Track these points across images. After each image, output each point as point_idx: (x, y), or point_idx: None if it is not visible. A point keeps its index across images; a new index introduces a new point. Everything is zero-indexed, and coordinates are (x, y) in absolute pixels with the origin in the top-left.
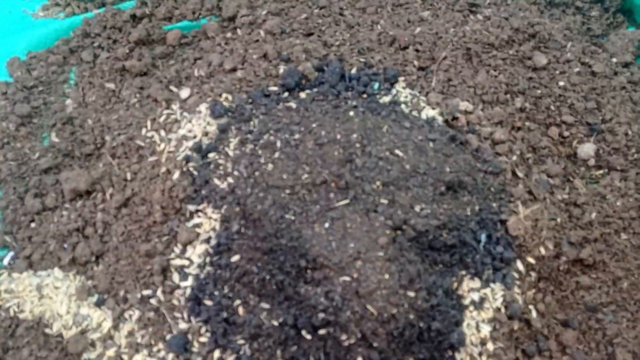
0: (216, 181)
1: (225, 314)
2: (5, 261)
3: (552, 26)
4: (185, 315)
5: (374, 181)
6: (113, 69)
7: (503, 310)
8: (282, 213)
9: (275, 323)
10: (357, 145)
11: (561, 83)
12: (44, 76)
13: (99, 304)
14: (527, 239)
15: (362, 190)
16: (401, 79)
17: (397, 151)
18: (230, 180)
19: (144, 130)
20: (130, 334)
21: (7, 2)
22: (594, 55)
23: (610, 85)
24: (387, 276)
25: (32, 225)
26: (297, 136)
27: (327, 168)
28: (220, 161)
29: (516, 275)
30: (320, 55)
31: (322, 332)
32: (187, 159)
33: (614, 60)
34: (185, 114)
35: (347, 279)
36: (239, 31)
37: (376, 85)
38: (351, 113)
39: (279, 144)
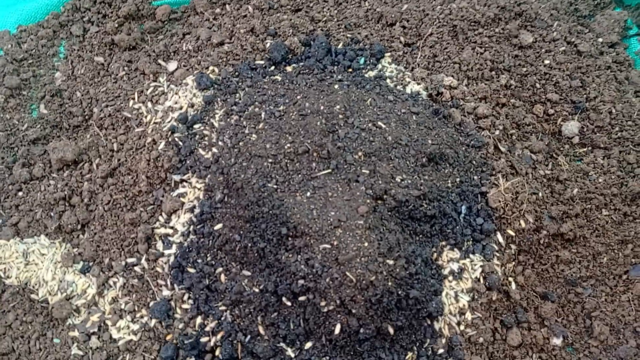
0: (201, 151)
1: (207, 281)
2: None
3: (539, 5)
4: (169, 283)
5: (356, 151)
6: (102, 42)
7: (482, 280)
8: (265, 182)
9: (256, 290)
10: (340, 116)
11: (547, 61)
12: (33, 49)
13: (84, 271)
14: (507, 212)
15: (343, 160)
16: (387, 54)
17: (380, 123)
18: (214, 150)
19: (131, 102)
20: (114, 300)
21: None
22: (580, 34)
23: (595, 65)
24: (366, 244)
25: (20, 194)
26: (281, 107)
27: (309, 138)
28: (205, 132)
29: (496, 247)
30: (307, 30)
31: (302, 298)
32: (173, 130)
33: (600, 40)
34: (172, 86)
35: (327, 246)
36: (227, 7)
37: (362, 60)
38: (336, 86)
39: (263, 115)
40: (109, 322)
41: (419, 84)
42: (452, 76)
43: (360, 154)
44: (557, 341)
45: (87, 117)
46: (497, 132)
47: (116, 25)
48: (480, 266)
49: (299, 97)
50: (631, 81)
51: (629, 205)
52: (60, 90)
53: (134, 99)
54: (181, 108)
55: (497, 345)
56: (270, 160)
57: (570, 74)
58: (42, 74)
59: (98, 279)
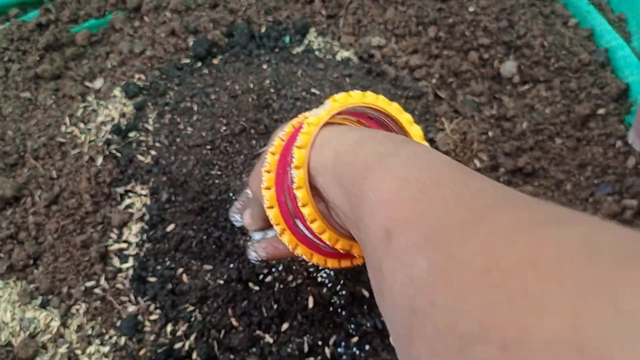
0: (140, 157)
1: (170, 286)
2: None
3: None
4: (132, 297)
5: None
6: (26, 78)
7: None
8: (207, 170)
9: (221, 282)
10: (272, 90)
11: (471, 9)
12: None
13: (43, 305)
14: (458, 153)
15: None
16: (312, 29)
17: (313, 90)
18: (153, 152)
19: (63, 127)
20: (80, 327)
21: None
22: None
23: (519, 4)
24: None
25: None
26: (212, 97)
27: (244, 116)
28: (141, 137)
29: None
30: (227, 22)
31: (268, 279)
32: (108, 143)
33: None
34: (101, 102)
35: None
36: (145, 18)
37: (287, 39)
38: (264, 66)
39: (195, 107)
40: (78, 351)
41: (347, 50)
42: (379, 36)
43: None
44: None
45: (22, 153)
46: (434, 81)
47: (37, 58)
48: None
49: (228, 82)
50: (557, 14)
51: (580, 130)
52: None
53: (65, 124)
54: (113, 120)
55: None
56: (208, 147)
57: (496, 17)
58: None
59: (60, 310)
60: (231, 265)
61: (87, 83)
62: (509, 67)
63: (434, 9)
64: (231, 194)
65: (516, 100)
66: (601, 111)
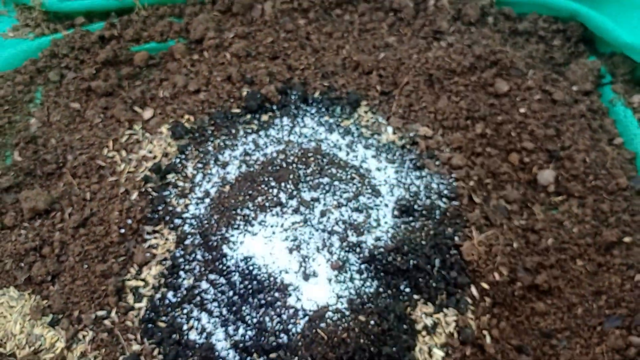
0: (174, 201)
1: (177, 336)
2: None
3: (514, 54)
4: (139, 337)
5: (329, 202)
6: (79, 88)
7: (456, 335)
8: (237, 234)
9: (227, 345)
10: (314, 166)
11: (522, 110)
12: (9, 95)
13: (53, 324)
14: (480, 264)
15: (317, 211)
16: (363, 102)
17: (353, 174)
18: (187, 201)
19: (105, 150)
20: (83, 355)
21: None
22: (554, 83)
23: (570, 113)
24: (338, 299)
25: None
26: (254, 157)
27: (282, 190)
28: (179, 182)
29: (470, 300)
30: (284, 78)
31: (272, 355)
32: (146, 180)
33: (574, 88)
34: (147, 134)
35: (298, 302)
36: (205, 53)
37: (338, 109)
38: (310, 135)
39: (237, 164)
40: None
41: (394, 133)
42: (428, 126)
43: (333, 204)
44: None
45: (61, 164)
46: (471, 183)
47: (93, 72)
48: (454, 320)
49: (272, 147)
50: (605, 129)
51: (603, 255)
52: (35, 137)
53: (108, 147)
54: (155, 157)
55: None
56: (241, 213)
57: (545, 123)
58: (17, 120)
59: (67, 333)
60: (240, 332)
61: (136, 108)
62: (547, 175)
63: (486, 103)
64: (254, 263)
65: (547, 212)
66: (627, 239)
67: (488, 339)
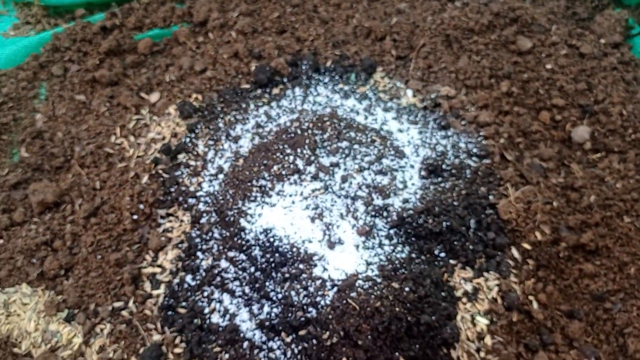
0: (186, 181)
1: (199, 321)
2: None
3: (535, 10)
4: (159, 326)
5: (351, 166)
6: (83, 80)
7: (500, 301)
8: (254, 207)
9: (252, 325)
10: (330, 131)
11: (548, 66)
12: (13, 92)
13: (68, 319)
14: (520, 223)
15: (337, 176)
16: (379, 68)
17: (374, 136)
18: (200, 179)
19: (113, 138)
20: (102, 349)
21: None
22: (580, 37)
23: (600, 66)
24: (367, 267)
25: (0, 241)
26: (267, 129)
27: (298, 157)
28: (190, 161)
29: (512, 262)
30: (293, 50)
31: (302, 332)
32: (156, 162)
33: (602, 41)
34: (154, 117)
35: (325, 272)
36: (210, 34)
37: (353, 76)
38: (325, 102)
39: (249, 137)
40: None
41: (414, 95)
42: (449, 86)
43: (355, 168)
44: None
45: (68, 157)
46: (502, 141)
47: (97, 62)
48: (497, 285)
49: (285, 117)
50: None
51: None
52: (42, 132)
53: (115, 134)
54: (164, 139)
55: None
56: (258, 184)
57: (574, 78)
58: (22, 117)
59: (84, 327)
60: (266, 310)
61: (142, 94)
62: (581, 132)
63: (509, 61)
64: (275, 235)
65: (585, 169)
66: None
67: (535, 305)
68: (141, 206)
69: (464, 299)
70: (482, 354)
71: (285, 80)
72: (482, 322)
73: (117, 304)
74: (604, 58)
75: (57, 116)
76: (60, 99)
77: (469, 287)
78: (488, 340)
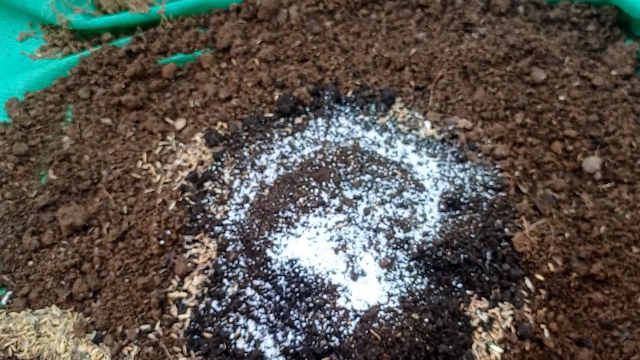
0: (212, 209)
1: (224, 346)
2: (3, 300)
3: (549, 42)
4: (185, 349)
5: (373, 199)
6: (109, 104)
7: (513, 330)
8: (280, 237)
9: (276, 352)
10: (353, 164)
11: (561, 97)
12: (41, 115)
13: (97, 340)
14: (534, 255)
15: (360, 209)
16: (398, 99)
17: (395, 170)
18: (226, 207)
19: (139, 163)
20: None
21: (6, 45)
22: (593, 68)
23: (611, 98)
24: (389, 298)
25: (30, 263)
26: (292, 159)
27: (323, 190)
28: (216, 189)
29: (525, 293)
30: (315, 80)
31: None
32: (183, 189)
33: (614, 73)
34: (180, 144)
35: (348, 302)
36: (233, 61)
37: (373, 107)
38: (346, 134)
39: (274, 167)
40: None
41: (432, 127)
42: (466, 118)
43: (377, 201)
44: None
45: (95, 180)
46: (516, 173)
47: (123, 86)
48: (511, 314)
49: (309, 148)
50: None
51: None
52: (69, 155)
53: (142, 159)
54: (190, 166)
55: None
56: (284, 216)
57: (586, 109)
58: (50, 139)
59: (112, 349)
60: (290, 338)
61: (168, 120)
62: (592, 162)
63: (524, 93)
64: (300, 265)
65: (596, 200)
66: None
67: (547, 333)
68: (168, 232)
69: (480, 329)
70: None
71: (307, 109)
72: (497, 350)
73: (144, 327)
74: (615, 90)
75: (84, 139)
76: (87, 122)
77: (484, 317)
78: None
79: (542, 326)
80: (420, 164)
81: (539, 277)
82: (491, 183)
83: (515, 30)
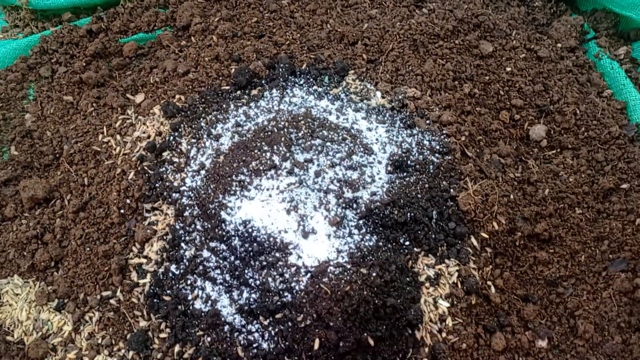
0: (170, 177)
1: (183, 307)
2: None
3: (497, 16)
4: (145, 313)
5: (324, 162)
6: (71, 82)
7: (460, 285)
8: (234, 200)
9: (232, 310)
10: (305, 130)
11: (508, 69)
12: (3, 93)
13: (59, 308)
14: (478, 214)
15: (311, 171)
16: (351, 71)
17: (345, 135)
18: (183, 175)
19: (100, 137)
20: (91, 335)
21: None
22: (539, 41)
23: (556, 69)
24: (338, 254)
25: None
26: (246, 127)
27: (275, 154)
28: (174, 158)
29: (471, 250)
30: (271, 54)
31: (278, 315)
32: (142, 159)
33: (559, 45)
34: (139, 117)
35: (299, 259)
36: (192, 38)
37: (326, 79)
38: (301, 102)
39: (229, 135)
40: (86, 359)
41: (383, 97)
42: (416, 87)
43: (327, 164)
44: (542, 343)
45: (57, 155)
46: (463, 138)
47: (84, 64)
48: (457, 270)
49: (263, 116)
50: (593, 82)
51: (601, 202)
52: (31, 131)
53: (102, 133)
54: (149, 137)
55: (481, 351)
56: (238, 179)
57: (532, 80)
58: (12, 116)
59: (73, 315)
60: (245, 296)
61: (128, 95)
62: (538, 130)
63: (472, 64)
64: (253, 226)
65: (541, 165)
66: (624, 186)
67: (493, 289)
68: (128, 201)
69: (427, 284)
70: (444, 334)
71: (263, 82)
72: (444, 305)
73: (105, 293)
74: (560, 61)
75: (46, 116)
76: (49, 99)
77: (431, 272)
78: (449, 321)
79: (489, 283)
80: (369, 129)
81: (484, 235)
82: (438, 147)
83: (464, 5)
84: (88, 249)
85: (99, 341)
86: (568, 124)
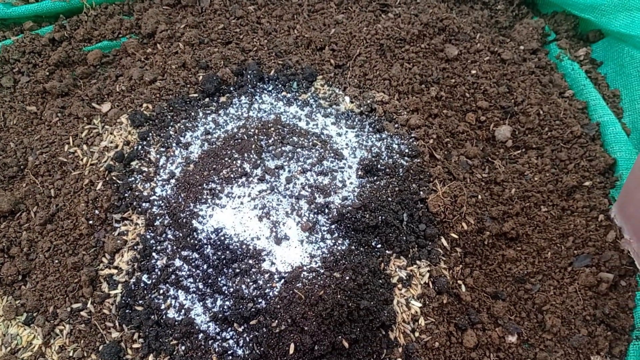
0: (139, 187)
1: (156, 317)
2: None
3: (461, 20)
4: (117, 324)
5: (294, 168)
6: (34, 92)
7: (431, 285)
8: (205, 208)
9: (206, 318)
10: (275, 136)
11: (473, 71)
12: None
13: (28, 322)
14: (447, 215)
15: (282, 178)
16: (319, 77)
17: (315, 140)
18: (152, 184)
19: (66, 147)
20: (62, 348)
21: None
22: (502, 44)
23: (519, 71)
24: (311, 259)
25: None
26: (216, 135)
27: (245, 161)
28: (143, 167)
29: (441, 251)
30: (238, 60)
31: (253, 322)
32: (110, 169)
33: (522, 47)
34: (106, 126)
35: (273, 266)
36: (158, 46)
37: (295, 84)
38: (270, 109)
39: (198, 144)
40: None
41: (352, 102)
42: (384, 92)
43: (298, 169)
44: (512, 338)
45: (22, 166)
46: (431, 141)
47: (47, 74)
48: (428, 271)
49: (232, 124)
50: (555, 83)
51: (565, 200)
52: None
53: (68, 143)
54: (117, 147)
55: (454, 349)
56: (208, 187)
57: (496, 82)
58: None
59: (43, 329)
60: (218, 304)
61: (94, 104)
62: (504, 131)
63: (438, 68)
64: (225, 233)
65: (507, 165)
66: (587, 183)
67: (463, 288)
68: (96, 211)
69: (399, 285)
70: (417, 334)
71: (231, 89)
72: (416, 305)
73: (76, 305)
74: (523, 63)
75: (9, 127)
76: (11, 110)
77: (403, 274)
78: (422, 321)
79: (459, 282)
80: (339, 134)
81: (454, 235)
82: (407, 150)
83: (429, 10)
84: (57, 261)
85: (71, 354)
86: (532, 125)
